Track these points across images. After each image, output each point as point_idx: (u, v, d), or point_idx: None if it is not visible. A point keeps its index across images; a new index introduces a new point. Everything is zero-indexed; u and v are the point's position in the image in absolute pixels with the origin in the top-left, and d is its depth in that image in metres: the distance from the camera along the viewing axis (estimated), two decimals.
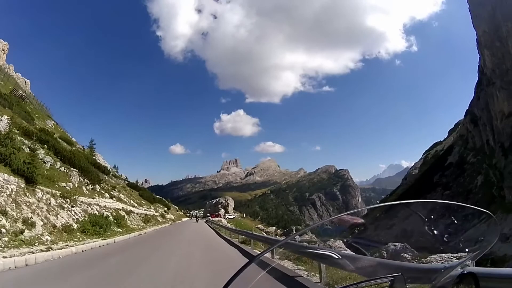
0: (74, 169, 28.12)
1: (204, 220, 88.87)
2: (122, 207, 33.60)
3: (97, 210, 23.90)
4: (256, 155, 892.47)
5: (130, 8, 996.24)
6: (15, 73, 71.83)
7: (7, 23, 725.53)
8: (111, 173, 56.40)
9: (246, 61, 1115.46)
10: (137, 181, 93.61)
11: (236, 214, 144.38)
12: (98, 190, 31.45)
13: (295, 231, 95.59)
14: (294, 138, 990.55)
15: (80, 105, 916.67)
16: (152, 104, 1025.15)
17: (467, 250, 2.17)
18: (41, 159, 23.13)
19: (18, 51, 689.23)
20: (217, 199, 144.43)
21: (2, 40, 72.56)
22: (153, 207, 58.84)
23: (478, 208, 2.15)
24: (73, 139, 59.35)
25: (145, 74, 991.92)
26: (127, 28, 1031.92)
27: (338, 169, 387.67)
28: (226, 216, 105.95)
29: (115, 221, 24.59)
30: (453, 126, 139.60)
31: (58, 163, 26.67)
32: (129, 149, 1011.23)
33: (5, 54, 72.27)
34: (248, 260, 1.57)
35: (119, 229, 23.66)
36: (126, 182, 69.16)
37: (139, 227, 31.90)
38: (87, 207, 22.74)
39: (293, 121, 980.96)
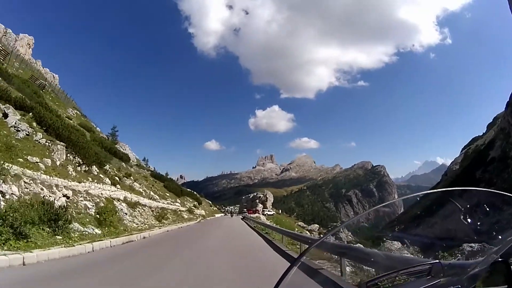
0: (61, 143, 22.35)
1: (241, 216, 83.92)
2: (125, 197, 27.40)
3: (68, 198, 17.12)
4: (291, 151, 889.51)
5: (161, 6, 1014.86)
6: (43, 68, 72.57)
7: (35, 18, 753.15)
8: (131, 161, 51.91)
9: (279, 56, 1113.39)
10: (167, 174, 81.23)
11: (273, 210, 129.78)
12: (95, 173, 25.72)
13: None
14: (329, 134, 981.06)
15: (114, 105, 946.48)
16: (187, 101, 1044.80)
17: (500, 237, 2.14)
18: (13, 126, 19.63)
19: (47, 47, 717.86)
20: (255, 194, 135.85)
21: (27, 35, 73.81)
22: (179, 201, 53.05)
23: (510, 194, 2.14)
24: (98, 128, 57.91)
25: (179, 71, 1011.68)
26: (159, 26, 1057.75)
27: (374, 165, 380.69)
28: (266, 212, 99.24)
29: (97, 216, 17.68)
30: (491, 120, 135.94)
31: (39, 133, 21.53)
32: (165, 146, 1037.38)
33: (31, 49, 73.46)
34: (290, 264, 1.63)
35: (96, 231, 15.92)
36: (150, 172, 61.67)
37: (145, 226, 24.76)
38: (50, 192, 15.95)
39: (328, 116, 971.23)
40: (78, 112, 58.34)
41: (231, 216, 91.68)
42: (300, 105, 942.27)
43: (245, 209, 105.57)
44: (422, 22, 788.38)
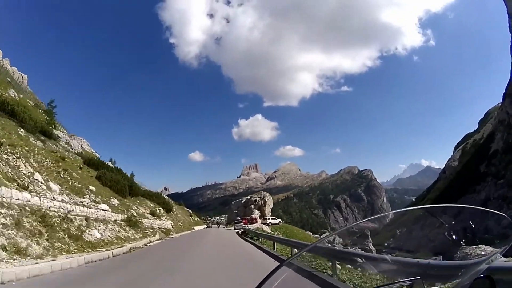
0: None
1: (233, 227, 63.47)
2: None
3: None
4: (276, 159, 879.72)
5: (142, 17, 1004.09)
6: (11, 67, 69.89)
7: (14, 27, 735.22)
8: (60, 140, 42.12)
9: (262, 64, 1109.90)
10: (136, 183, 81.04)
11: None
12: None
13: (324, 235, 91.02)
14: (314, 141, 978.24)
15: (95, 116, 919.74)
16: (169, 112, 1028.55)
17: (483, 253, 2.38)
18: None
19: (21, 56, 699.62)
20: (248, 197, 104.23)
21: None
22: (121, 204, 32.30)
23: (494, 211, 2.29)
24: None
25: (160, 81, 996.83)
26: (139, 37, 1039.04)
27: (361, 169, 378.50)
28: (269, 221, 71.38)
29: None
30: (483, 116, 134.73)
31: None
32: (148, 158, 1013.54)
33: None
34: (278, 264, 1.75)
35: None
36: (79, 152, 45.30)
37: None
38: None
39: (312, 123, 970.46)
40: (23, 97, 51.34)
41: (218, 227, 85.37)
42: (284, 113, 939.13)
43: (238, 218, 73.21)
44: (405, 25, 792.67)
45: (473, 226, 2.34)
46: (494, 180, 72.85)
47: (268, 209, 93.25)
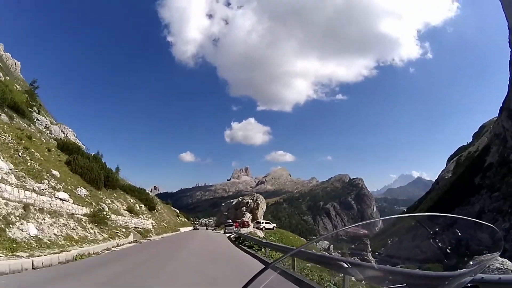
0: None
1: (223, 230, 59.42)
2: None
3: None
4: (267, 164, 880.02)
5: (141, 13, 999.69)
6: (5, 52, 69.04)
7: (15, 22, 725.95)
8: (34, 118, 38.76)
9: (258, 67, 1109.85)
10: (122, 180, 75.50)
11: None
12: None
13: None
14: (306, 148, 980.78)
15: (89, 111, 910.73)
16: (162, 110, 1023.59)
17: (471, 262, 2.23)
18: None
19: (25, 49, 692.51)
20: (240, 199, 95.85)
21: None
22: (90, 196, 27.81)
23: (482, 222, 2.34)
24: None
25: (156, 79, 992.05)
26: (137, 33, 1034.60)
27: (352, 178, 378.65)
28: (262, 225, 64.00)
29: None
30: (477, 129, 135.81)
31: None
32: (139, 156, 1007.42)
33: None
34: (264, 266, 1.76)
35: None
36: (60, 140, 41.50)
37: None
38: None
39: (304, 130, 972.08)
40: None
41: (207, 229, 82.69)
42: (277, 118, 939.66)
43: (229, 220, 70.89)
44: (403, 36, 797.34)
45: (461, 235, 2.40)
46: (489, 192, 72.70)
47: (260, 213, 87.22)
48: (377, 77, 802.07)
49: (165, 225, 53.08)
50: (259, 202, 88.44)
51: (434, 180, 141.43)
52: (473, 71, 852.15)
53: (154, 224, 41.92)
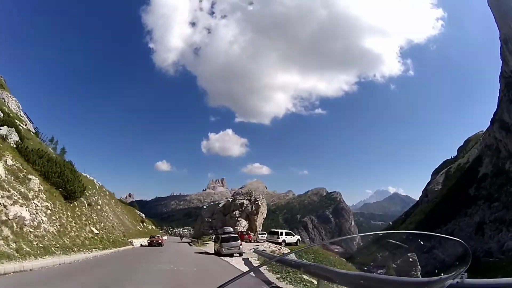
0: None
1: (214, 247, 33.24)
2: None
3: None
4: (243, 176, 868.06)
5: (124, 19, 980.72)
6: None
7: None
8: None
9: (238, 79, 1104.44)
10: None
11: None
12: None
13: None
14: (282, 161, 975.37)
15: (64, 115, 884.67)
16: (140, 117, 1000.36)
17: (440, 277, 2.38)
18: None
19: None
20: (229, 199, 75.71)
21: None
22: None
23: (451, 237, 2.60)
24: None
25: (134, 86, 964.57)
26: (119, 38, 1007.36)
27: (329, 191, 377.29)
28: (282, 238, 43.17)
29: None
30: (462, 144, 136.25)
31: None
32: (114, 162, 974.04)
33: None
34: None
35: None
36: None
37: None
38: None
39: (282, 143, 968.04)
40: None
41: (181, 239, 77.08)
42: (255, 131, 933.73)
43: (230, 229, 39.64)
44: (385, 53, 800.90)
45: (431, 250, 2.67)
46: (487, 203, 71.14)
47: (260, 220, 64.87)
48: (357, 92, 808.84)
49: (109, 234, 34.06)
50: (259, 204, 64.86)
51: (410, 196, 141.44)
52: (452, 89, 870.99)
53: (66, 226, 23.84)
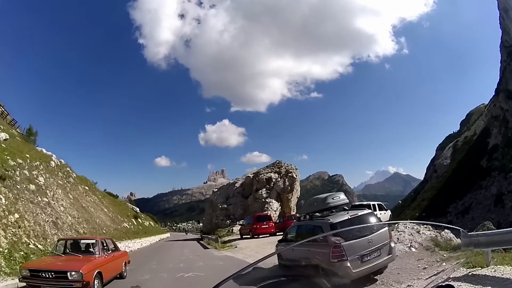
0: None
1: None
2: None
3: None
4: (243, 165, 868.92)
5: (112, 16, 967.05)
6: None
7: None
8: None
9: (231, 68, 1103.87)
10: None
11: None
12: None
13: None
14: (281, 148, 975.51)
15: (57, 116, 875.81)
16: (135, 115, 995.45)
17: (444, 264, 2.70)
18: None
19: None
20: (251, 175, 55.93)
21: None
22: None
23: (450, 226, 4.04)
24: None
25: (127, 83, 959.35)
26: (108, 36, 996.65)
27: (331, 174, 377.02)
28: (378, 214, 22.83)
29: None
30: (464, 117, 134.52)
31: None
32: (113, 163, 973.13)
33: None
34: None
35: None
36: None
37: None
38: None
39: (279, 130, 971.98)
40: None
41: (186, 234, 74.91)
42: (251, 119, 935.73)
43: (242, 221, 39.40)
44: (378, 32, 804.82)
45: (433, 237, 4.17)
46: (503, 174, 69.75)
47: (295, 198, 50.35)
48: (352, 74, 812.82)
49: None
50: (294, 177, 49.50)
51: (411, 175, 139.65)
52: (448, 65, 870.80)
53: None
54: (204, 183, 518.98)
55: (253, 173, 56.22)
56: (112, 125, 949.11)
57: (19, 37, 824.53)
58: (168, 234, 72.29)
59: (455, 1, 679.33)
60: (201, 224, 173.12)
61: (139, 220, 56.96)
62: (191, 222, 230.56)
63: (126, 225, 43.28)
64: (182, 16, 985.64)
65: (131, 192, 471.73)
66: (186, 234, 73.78)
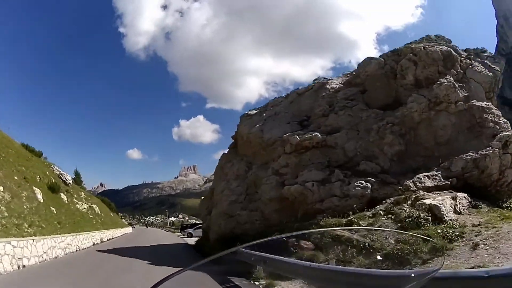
0: None
1: None
2: None
3: None
4: (215, 162, 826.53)
5: (95, 2, 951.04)
6: None
7: None
8: None
9: (210, 63, 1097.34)
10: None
11: None
12: None
13: None
14: None
15: (28, 104, 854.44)
16: (110, 104, 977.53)
17: (412, 275, 2.19)
18: None
19: None
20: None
21: None
22: None
23: (422, 236, 3.02)
24: None
25: (104, 71, 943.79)
26: (89, 22, 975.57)
27: None
28: None
29: None
30: None
31: None
32: (84, 152, 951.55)
33: None
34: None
35: None
36: None
37: None
38: None
39: None
40: None
41: (147, 227, 71.15)
42: (226, 116, 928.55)
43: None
44: (362, 38, 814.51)
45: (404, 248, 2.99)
46: None
47: None
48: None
49: None
50: None
51: None
52: None
53: None
54: (175, 177, 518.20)
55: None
56: (85, 114, 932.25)
57: None
58: (128, 229, 58.19)
59: (443, 14, 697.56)
60: (171, 218, 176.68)
61: (62, 195, 27.66)
62: (160, 216, 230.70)
63: (82, 212, 30.28)
64: (165, 7, 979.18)
65: (101, 183, 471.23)
66: (147, 227, 70.16)
